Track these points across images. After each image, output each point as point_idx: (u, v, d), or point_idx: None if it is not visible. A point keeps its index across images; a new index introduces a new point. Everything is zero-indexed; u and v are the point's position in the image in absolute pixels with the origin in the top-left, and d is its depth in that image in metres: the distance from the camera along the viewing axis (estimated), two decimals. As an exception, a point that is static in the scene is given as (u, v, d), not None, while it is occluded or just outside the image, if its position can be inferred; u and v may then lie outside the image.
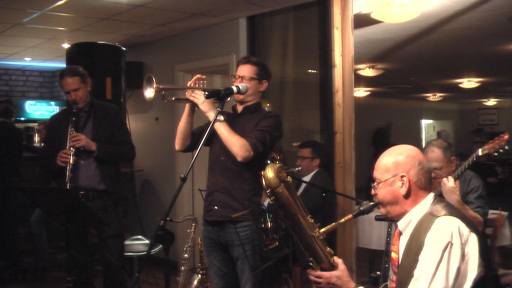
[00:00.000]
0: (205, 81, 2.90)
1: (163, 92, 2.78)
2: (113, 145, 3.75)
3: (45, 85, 9.16)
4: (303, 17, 4.87)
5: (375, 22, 5.31)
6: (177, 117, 5.88)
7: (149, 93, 2.75)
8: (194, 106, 2.90)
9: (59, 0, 4.60)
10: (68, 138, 3.55)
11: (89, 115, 3.73)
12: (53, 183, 3.97)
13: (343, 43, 4.40)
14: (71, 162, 3.51)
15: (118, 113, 3.89)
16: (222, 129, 2.82)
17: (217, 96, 2.74)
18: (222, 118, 2.82)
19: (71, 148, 3.53)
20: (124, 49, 5.36)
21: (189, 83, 2.90)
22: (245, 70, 2.98)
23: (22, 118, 8.18)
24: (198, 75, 2.89)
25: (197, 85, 2.88)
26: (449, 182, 2.90)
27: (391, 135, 11.71)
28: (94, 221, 3.46)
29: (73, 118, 3.60)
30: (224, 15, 5.15)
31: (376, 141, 11.60)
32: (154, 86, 2.72)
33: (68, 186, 3.47)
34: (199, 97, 2.80)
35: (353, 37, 4.40)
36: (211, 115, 2.77)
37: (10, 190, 5.52)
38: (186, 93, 2.87)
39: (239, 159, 2.81)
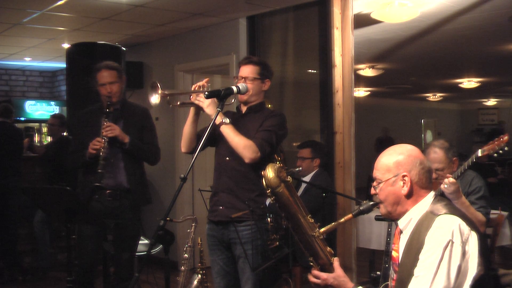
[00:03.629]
0: (209, 84, 2.91)
1: (168, 98, 2.79)
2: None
3: (45, 85, 9.15)
4: (303, 17, 4.87)
5: (375, 22, 5.31)
6: (177, 117, 5.88)
7: (154, 99, 2.76)
8: (199, 109, 2.91)
9: (59, 0, 4.61)
10: (102, 128, 3.49)
11: (121, 114, 3.69)
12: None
13: (343, 43, 4.40)
14: (103, 152, 3.45)
15: (149, 115, 3.83)
16: (229, 132, 2.83)
17: (217, 96, 2.74)
18: (228, 120, 2.83)
19: (105, 138, 3.48)
20: (124, 49, 5.36)
21: (193, 87, 2.90)
22: (247, 70, 2.98)
23: (22, 118, 8.18)
24: (202, 82, 2.88)
25: (201, 89, 2.88)
26: (450, 184, 2.89)
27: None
28: (94, 221, 3.45)
29: (107, 110, 3.55)
30: (224, 15, 5.15)
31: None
32: (160, 92, 2.73)
33: (101, 182, 3.44)
34: (204, 100, 2.81)
35: (353, 37, 4.40)
36: (216, 118, 2.77)
37: (11, 190, 5.52)
38: (191, 97, 2.88)
39: (246, 160, 2.82)
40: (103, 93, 3.62)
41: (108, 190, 3.58)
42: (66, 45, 6.14)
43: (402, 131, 14.05)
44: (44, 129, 7.94)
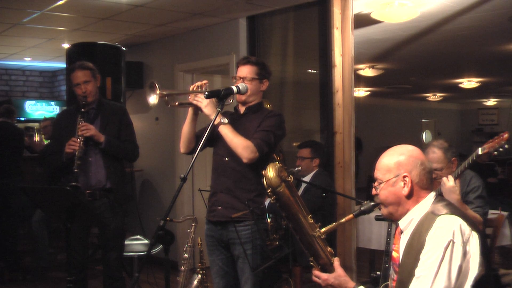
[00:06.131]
0: (207, 85, 2.91)
1: (166, 98, 2.79)
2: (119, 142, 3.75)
3: (45, 85, 9.15)
4: (303, 17, 4.87)
5: (375, 22, 5.31)
6: (177, 117, 5.88)
7: (152, 99, 2.76)
8: (197, 110, 2.91)
9: (59, 0, 4.61)
10: (77, 128, 3.52)
11: (98, 112, 3.72)
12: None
13: (343, 43, 4.40)
14: (79, 151, 3.47)
15: (126, 113, 3.88)
16: (227, 132, 2.83)
17: (217, 96, 2.74)
18: (226, 120, 2.83)
19: (80, 137, 3.50)
20: (124, 49, 5.36)
21: (191, 87, 2.90)
22: (246, 71, 2.98)
23: (22, 118, 8.17)
24: (200, 82, 2.89)
25: (199, 89, 2.88)
26: (449, 182, 2.90)
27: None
28: (94, 220, 3.45)
29: (82, 110, 3.58)
30: (224, 15, 5.15)
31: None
32: (158, 92, 2.73)
33: (78, 181, 3.45)
34: (202, 100, 2.81)
35: (353, 37, 4.40)
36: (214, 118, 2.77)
37: (12, 190, 5.52)
38: (189, 97, 2.88)
39: (244, 160, 2.82)
40: (78, 93, 3.65)
41: (88, 190, 3.60)
42: (66, 45, 6.13)
43: (402, 131, 14.05)
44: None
